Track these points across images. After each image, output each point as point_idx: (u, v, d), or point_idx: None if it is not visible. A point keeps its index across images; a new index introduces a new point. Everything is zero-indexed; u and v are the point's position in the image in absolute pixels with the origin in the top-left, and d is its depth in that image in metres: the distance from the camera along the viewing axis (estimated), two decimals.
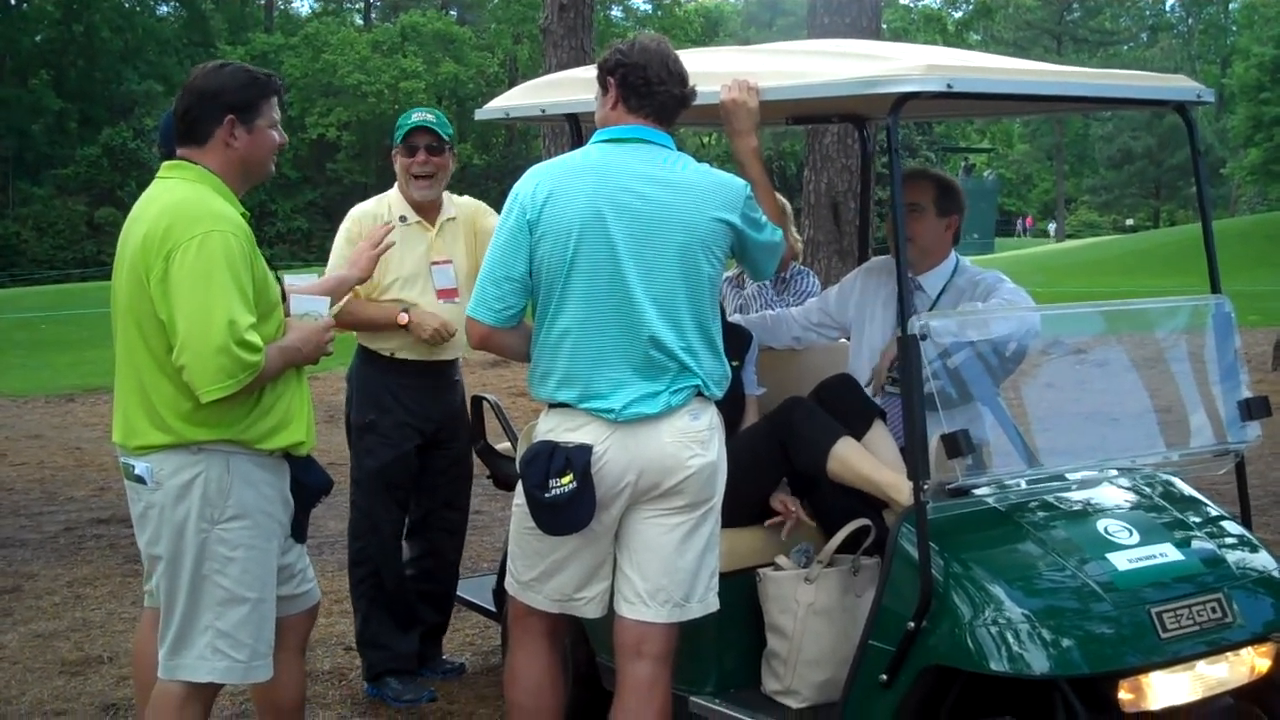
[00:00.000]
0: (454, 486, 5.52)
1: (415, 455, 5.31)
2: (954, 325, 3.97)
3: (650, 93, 3.84)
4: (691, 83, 3.89)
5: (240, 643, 3.75)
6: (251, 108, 3.78)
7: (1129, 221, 72.45)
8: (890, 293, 4.73)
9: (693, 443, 3.81)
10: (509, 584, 4.10)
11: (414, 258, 5.13)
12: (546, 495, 3.72)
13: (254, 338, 3.57)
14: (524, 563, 4.01)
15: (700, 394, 3.84)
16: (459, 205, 5.33)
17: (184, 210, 3.63)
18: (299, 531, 3.98)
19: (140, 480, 3.71)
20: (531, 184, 3.84)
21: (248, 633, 3.76)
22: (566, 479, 3.71)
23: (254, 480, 3.75)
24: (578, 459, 3.72)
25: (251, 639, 3.77)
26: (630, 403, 3.76)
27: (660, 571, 3.84)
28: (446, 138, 5.18)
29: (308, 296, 4.09)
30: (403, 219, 5.14)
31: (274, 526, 3.82)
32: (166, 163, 3.84)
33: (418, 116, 5.20)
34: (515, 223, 3.81)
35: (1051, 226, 67.71)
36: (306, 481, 3.93)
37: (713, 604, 3.93)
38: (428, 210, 5.17)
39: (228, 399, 3.58)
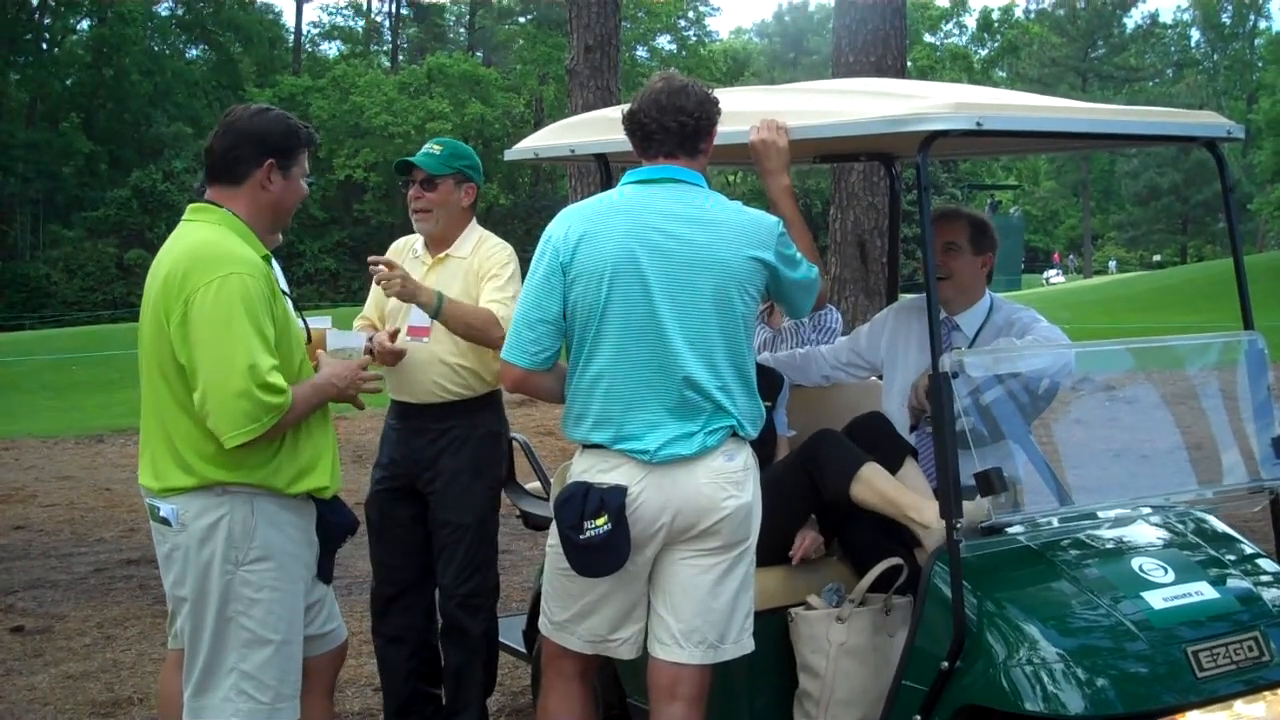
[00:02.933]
0: (425, 549, 5.12)
1: (396, 502, 5.12)
2: (986, 362, 3.95)
3: (651, 134, 3.85)
4: (702, 110, 3.84)
5: (265, 685, 3.74)
6: (290, 155, 3.82)
7: (1156, 257, 72.25)
8: (922, 330, 4.73)
9: (728, 484, 3.79)
10: (543, 625, 4.09)
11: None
12: (581, 537, 3.71)
13: (277, 379, 3.58)
14: (558, 604, 4.00)
15: (735, 434, 3.83)
16: (480, 245, 5.04)
17: (202, 253, 3.63)
18: (325, 572, 3.98)
19: (165, 522, 3.71)
20: (564, 226, 3.85)
21: (272, 675, 3.74)
22: (601, 520, 3.69)
23: (279, 522, 3.75)
24: (612, 500, 3.71)
25: (276, 681, 3.76)
26: (665, 444, 3.75)
27: (694, 613, 3.82)
28: (444, 173, 4.95)
29: (344, 332, 4.11)
30: (414, 252, 5.12)
31: (299, 568, 3.82)
32: (192, 205, 3.85)
33: (424, 149, 5.04)
34: (549, 265, 3.82)
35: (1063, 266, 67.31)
36: (332, 520, 3.94)
37: (748, 645, 3.91)
38: (433, 244, 5.07)
39: (252, 442, 3.59)
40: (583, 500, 3.72)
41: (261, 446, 3.64)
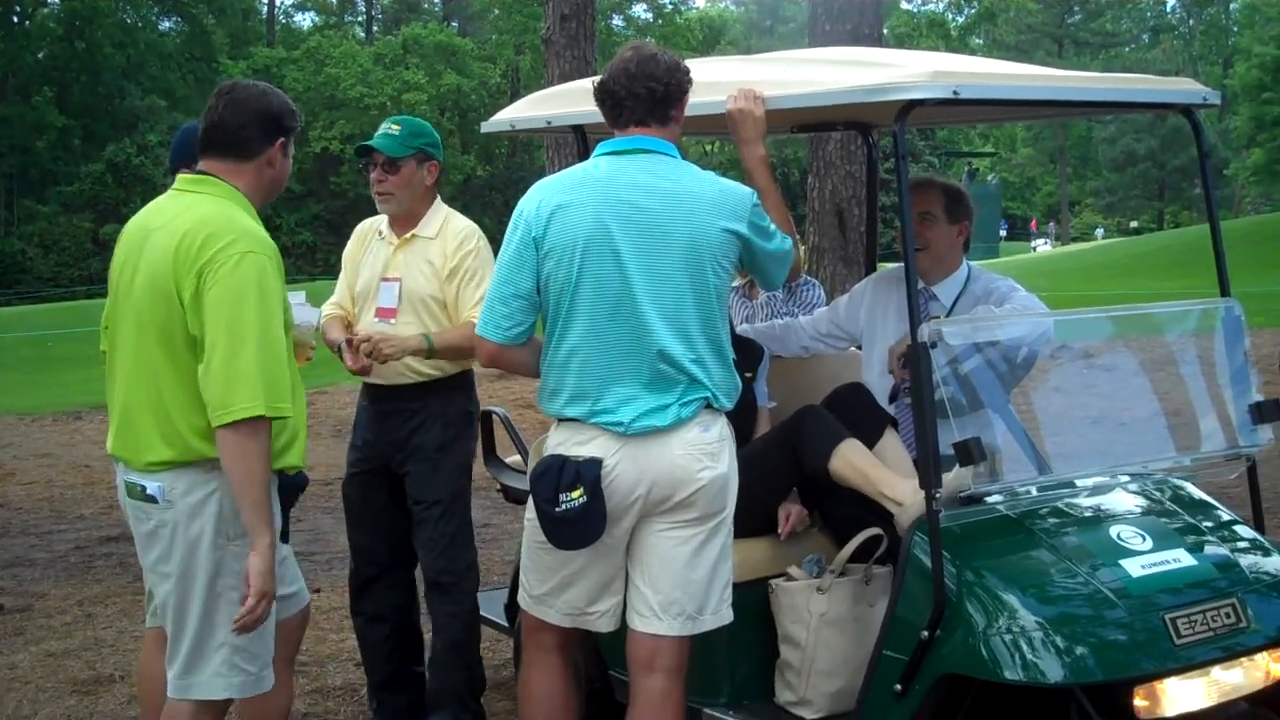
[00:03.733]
0: (405, 531, 5.08)
1: (372, 484, 5.10)
2: (964, 331, 3.95)
3: (621, 102, 3.84)
4: (671, 76, 3.82)
5: (254, 655, 3.75)
6: (292, 135, 3.85)
7: (1133, 224, 72.43)
8: (901, 301, 4.74)
9: (703, 455, 3.79)
10: (521, 598, 4.09)
11: (370, 272, 5.02)
12: (557, 509, 3.71)
13: (286, 361, 3.60)
14: (536, 577, 4.00)
15: (710, 406, 3.83)
16: (446, 225, 4.99)
17: (218, 227, 3.59)
18: (283, 533, 3.97)
19: (151, 499, 3.68)
20: (535, 200, 3.84)
21: (260, 644, 3.76)
22: (577, 493, 3.70)
23: None
24: (588, 473, 3.72)
25: (263, 650, 3.77)
26: (639, 416, 3.75)
27: (672, 585, 3.83)
28: (405, 154, 4.88)
29: (302, 307, 4.16)
30: (379, 233, 5.08)
31: (276, 538, 3.81)
32: (187, 175, 3.81)
33: (381, 130, 4.98)
34: (521, 240, 3.81)
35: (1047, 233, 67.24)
36: (288, 480, 3.93)
37: (726, 616, 3.92)
38: (399, 225, 5.02)
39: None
40: (558, 473, 3.72)
41: None
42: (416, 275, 4.89)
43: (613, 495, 3.75)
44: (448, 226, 4.99)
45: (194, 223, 3.61)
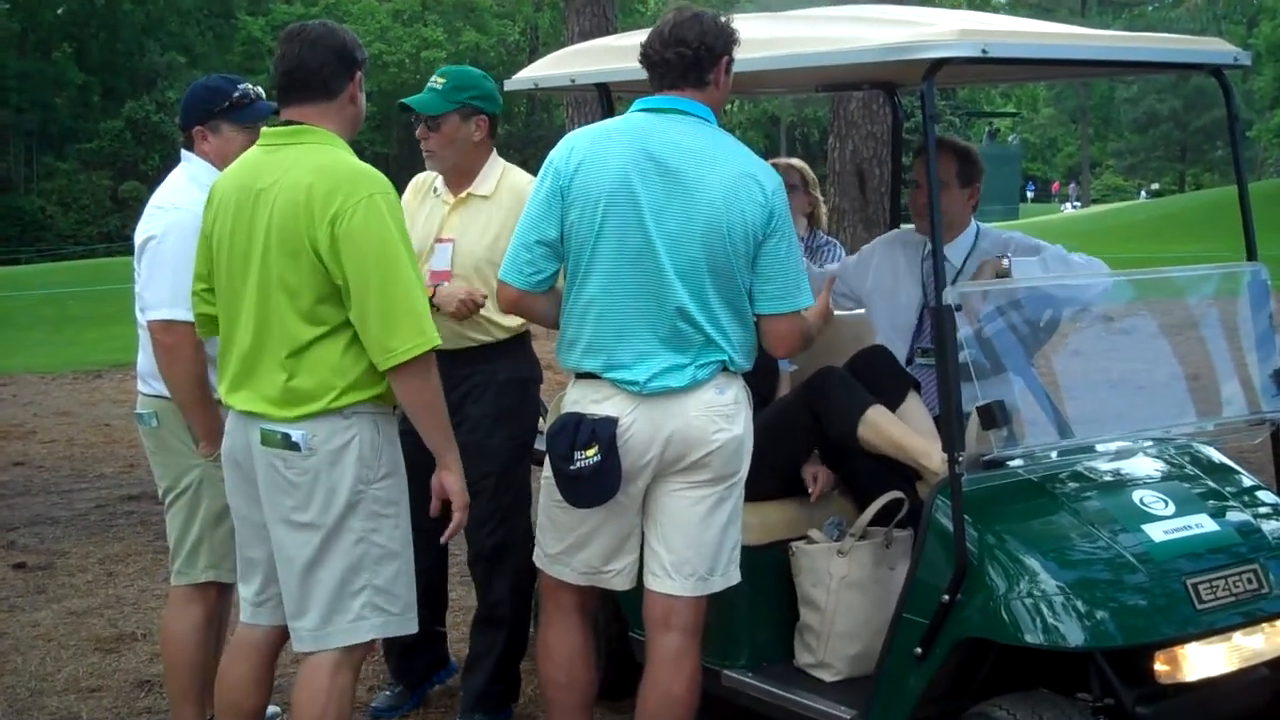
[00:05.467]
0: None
1: (420, 449, 4.98)
2: (990, 294, 3.94)
3: (654, 66, 3.82)
4: (702, 41, 3.76)
5: (395, 596, 3.77)
6: (365, 67, 3.85)
7: (1154, 186, 71.90)
8: (909, 263, 4.72)
9: (718, 416, 3.79)
10: (537, 557, 4.10)
11: (424, 232, 4.81)
12: (572, 467, 3.72)
13: (426, 304, 3.64)
14: (552, 535, 4.01)
15: (726, 368, 3.82)
16: (507, 182, 4.82)
17: (339, 175, 3.59)
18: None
19: (295, 447, 3.65)
20: (566, 149, 3.84)
21: (402, 585, 3.79)
22: (591, 451, 3.71)
23: (393, 438, 3.80)
24: (603, 431, 3.72)
25: (405, 591, 3.81)
26: (655, 375, 3.74)
27: (685, 544, 3.84)
28: (447, 109, 4.70)
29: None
30: (434, 190, 4.93)
31: (406, 481, 3.86)
32: (277, 129, 3.77)
33: (428, 84, 4.83)
34: (549, 188, 3.81)
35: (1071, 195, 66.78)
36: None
37: (734, 577, 3.93)
38: (455, 182, 4.85)
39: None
40: (574, 431, 3.73)
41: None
42: (476, 234, 4.73)
43: (628, 454, 3.76)
44: (504, 183, 4.82)
45: (313, 175, 3.59)
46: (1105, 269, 4.43)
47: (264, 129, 3.91)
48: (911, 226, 4.96)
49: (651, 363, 3.75)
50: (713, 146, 3.76)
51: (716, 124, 3.85)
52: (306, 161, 3.63)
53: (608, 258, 3.75)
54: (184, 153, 4.44)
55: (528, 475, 4.90)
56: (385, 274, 3.54)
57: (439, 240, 4.76)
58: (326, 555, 3.69)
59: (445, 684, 5.25)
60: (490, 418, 4.76)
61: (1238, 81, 54.68)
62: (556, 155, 3.85)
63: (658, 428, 3.76)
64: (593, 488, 3.75)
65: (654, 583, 3.89)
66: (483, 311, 4.63)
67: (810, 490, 4.34)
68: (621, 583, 3.99)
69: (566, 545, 3.98)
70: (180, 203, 4.25)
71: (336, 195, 3.54)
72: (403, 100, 4.83)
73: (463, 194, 4.81)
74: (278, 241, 3.61)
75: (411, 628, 3.86)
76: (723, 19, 3.84)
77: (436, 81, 4.77)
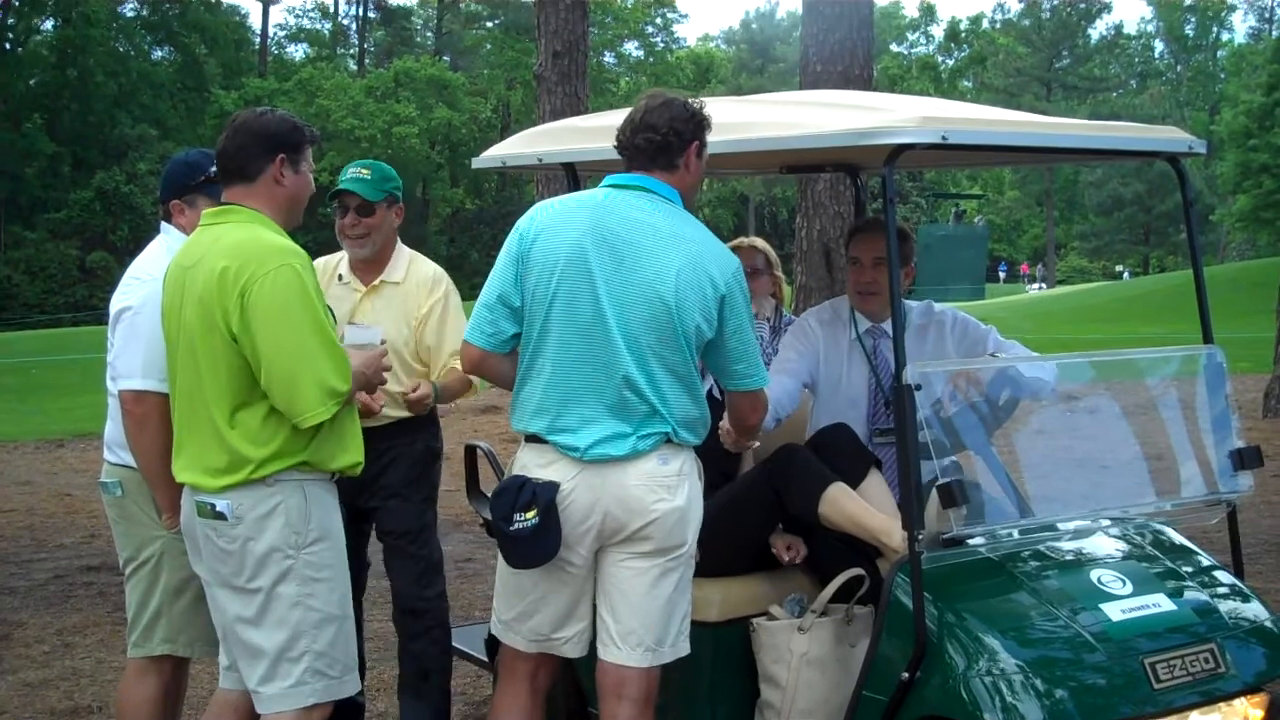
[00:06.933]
0: (361, 565, 5.08)
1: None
2: (949, 374, 3.98)
3: (623, 149, 3.94)
4: (671, 127, 3.86)
5: (335, 660, 3.87)
6: (298, 149, 3.96)
7: (1119, 268, 72.65)
8: (850, 342, 4.77)
9: (659, 487, 3.83)
10: (493, 624, 4.15)
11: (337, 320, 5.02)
12: (510, 528, 3.78)
13: (342, 365, 3.76)
14: (505, 601, 4.06)
15: (670, 440, 3.86)
16: (415, 271, 5.07)
17: (251, 248, 3.74)
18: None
19: (221, 516, 3.79)
20: (530, 217, 3.95)
21: (340, 649, 3.89)
22: (531, 514, 3.77)
23: (326, 503, 3.89)
24: (544, 495, 3.78)
25: (343, 654, 3.90)
26: (596, 442, 3.80)
27: (630, 614, 3.87)
28: (378, 198, 4.94)
29: (360, 327, 4.45)
30: (339, 278, 5.06)
31: (344, 545, 3.96)
32: (211, 210, 3.96)
33: (351, 173, 5.01)
34: (512, 252, 3.91)
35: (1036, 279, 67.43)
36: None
37: (684, 649, 3.96)
38: (363, 270, 5.03)
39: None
40: (516, 493, 3.80)
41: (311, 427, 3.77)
42: (392, 322, 4.92)
43: (568, 520, 3.81)
44: (413, 271, 5.06)
45: (226, 252, 3.75)
46: (1026, 352, 4.54)
47: (204, 210, 4.05)
48: (831, 303, 4.97)
49: (594, 429, 3.80)
50: (671, 224, 3.82)
51: (683, 206, 3.91)
52: (226, 239, 3.80)
53: (560, 324, 3.82)
54: (163, 225, 4.51)
55: (437, 538, 5.22)
56: (289, 342, 3.68)
57: (352, 324, 4.81)
58: (264, 618, 3.80)
59: None
60: (406, 485, 5.04)
61: (1200, 167, 55.59)
62: (522, 222, 3.95)
63: (597, 495, 3.82)
64: (532, 549, 3.80)
65: (605, 652, 3.92)
66: (396, 388, 4.82)
67: (785, 559, 4.35)
68: (572, 650, 4.01)
69: (518, 612, 4.01)
70: (157, 274, 4.29)
71: (246, 269, 3.70)
72: (341, 186, 4.97)
73: (375, 281, 5.02)
74: (197, 317, 3.77)
75: (352, 689, 3.97)
76: (694, 104, 3.92)
77: (363, 172, 5.00)
